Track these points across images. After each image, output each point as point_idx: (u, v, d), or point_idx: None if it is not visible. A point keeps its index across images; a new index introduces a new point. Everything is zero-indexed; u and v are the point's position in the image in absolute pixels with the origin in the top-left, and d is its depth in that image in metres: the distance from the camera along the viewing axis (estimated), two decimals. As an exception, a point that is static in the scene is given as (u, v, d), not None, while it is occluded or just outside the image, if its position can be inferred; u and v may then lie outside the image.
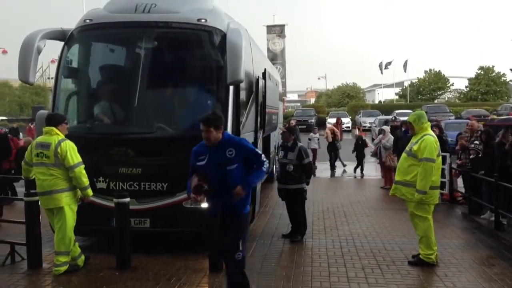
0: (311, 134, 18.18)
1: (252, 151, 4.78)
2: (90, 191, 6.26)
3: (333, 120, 37.61)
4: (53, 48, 8.62)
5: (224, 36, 6.98)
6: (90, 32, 7.48)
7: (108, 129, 7.34)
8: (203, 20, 7.14)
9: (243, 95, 7.61)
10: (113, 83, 7.74)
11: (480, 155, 9.46)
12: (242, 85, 7.32)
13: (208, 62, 7.25)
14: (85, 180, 6.16)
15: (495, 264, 6.55)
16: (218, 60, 7.06)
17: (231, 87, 7.01)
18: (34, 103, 48.60)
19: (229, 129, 6.94)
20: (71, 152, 6.08)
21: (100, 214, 6.82)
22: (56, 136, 6.14)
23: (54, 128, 6.17)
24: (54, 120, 6.31)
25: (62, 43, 7.48)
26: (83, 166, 6.15)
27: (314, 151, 17.35)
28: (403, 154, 6.74)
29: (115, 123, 7.45)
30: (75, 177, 6.11)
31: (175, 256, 6.77)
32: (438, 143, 6.55)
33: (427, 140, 6.43)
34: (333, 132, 17.57)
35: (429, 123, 6.71)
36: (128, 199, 6.40)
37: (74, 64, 7.66)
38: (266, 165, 4.75)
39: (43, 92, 52.46)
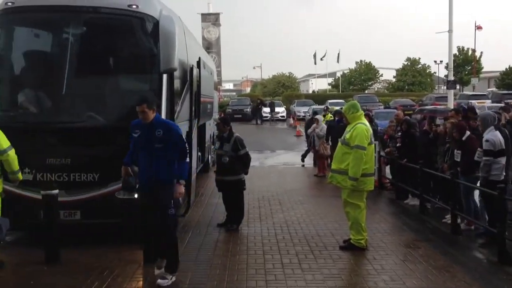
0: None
1: None
2: (20, 175, 6.13)
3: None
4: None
5: (156, 23, 6.84)
6: (12, 16, 7.09)
7: (34, 118, 7.01)
8: (134, 6, 6.94)
9: (177, 83, 7.51)
10: (38, 70, 7.36)
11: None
12: (176, 73, 7.22)
13: (140, 50, 7.07)
14: (17, 163, 6.00)
15: (420, 246, 6.90)
16: (150, 48, 6.90)
17: (165, 76, 6.89)
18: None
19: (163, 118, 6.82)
20: (1, 136, 5.87)
21: (27, 207, 6.52)
22: None
23: None
24: None
25: None
26: (13, 149, 5.94)
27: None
28: (339, 143, 6.94)
29: (41, 112, 7.12)
30: (9, 161, 5.90)
31: (108, 248, 6.60)
32: (370, 132, 6.78)
33: (358, 128, 6.65)
34: None
35: (362, 112, 6.94)
36: (56, 191, 6.16)
37: None
38: None
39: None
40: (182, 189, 5.59)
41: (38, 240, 6.42)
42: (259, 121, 35.89)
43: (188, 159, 5.56)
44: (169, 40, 6.56)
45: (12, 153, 5.92)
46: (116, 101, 7.17)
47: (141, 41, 6.98)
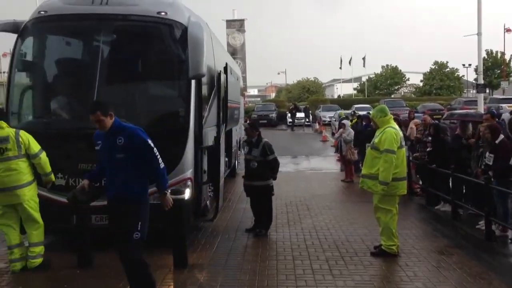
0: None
1: None
2: (53, 176, 6.27)
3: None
4: (6, 42, 8.30)
5: (185, 29, 6.89)
6: (45, 24, 7.24)
7: (66, 124, 7.14)
8: (163, 13, 7.02)
9: (205, 89, 7.54)
10: (70, 77, 7.50)
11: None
12: (204, 79, 7.25)
13: (169, 56, 7.14)
14: (49, 165, 6.16)
15: (454, 253, 6.75)
16: (179, 54, 6.96)
17: (193, 81, 6.94)
18: (-16, 98, 46.73)
19: (191, 124, 6.88)
20: (32, 140, 6.07)
21: (59, 212, 6.62)
22: (9, 128, 6.09)
23: (3, 122, 6.09)
24: (2, 114, 6.42)
25: (15, 35, 7.20)
26: (44, 152, 6.11)
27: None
28: (368, 148, 6.86)
29: (73, 118, 7.24)
30: (41, 163, 6.06)
31: (138, 253, 6.63)
32: (400, 135, 6.68)
33: (387, 132, 6.57)
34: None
35: (390, 116, 6.85)
36: (88, 196, 6.24)
37: (29, 58, 7.39)
38: None
39: (-8, 87, 50.48)
40: (168, 199, 4.88)
41: (70, 244, 6.52)
42: (289, 128, 35.70)
43: (162, 165, 4.80)
44: (197, 46, 6.60)
45: (43, 156, 6.09)
46: (146, 107, 7.25)
47: (170, 47, 7.05)
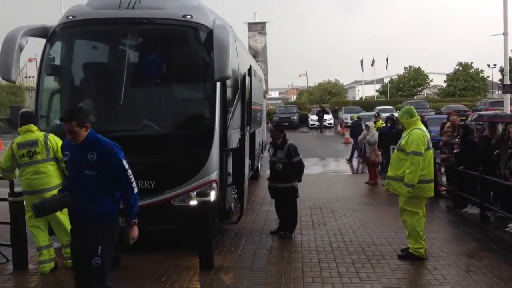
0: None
1: None
2: None
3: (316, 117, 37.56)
4: (31, 47, 8.46)
5: (210, 32, 6.92)
6: (73, 29, 7.36)
7: (93, 127, 7.17)
8: (188, 16, 7.08)
9: (229, 92, 7.57)
10: (97, 81, 7.61)
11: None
12: (229, 82, 7.28)
13: (195, 59, 7.20)
14: None
15: (483, 256, 6.63)
16: (204, 57, 7.00)
17: (218, 84, 6.96)
18: (11, 103, 47.75)
19: (217, 126, 6.91)
20: (61, 143, 6.09)
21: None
22: (38, 132, 6.18)
23: (33, 125, 6.18)
24: (32, 117, 6.41)
25: (42, 40, 7.35)
26: None
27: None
28: (395, 150, 6.79)
29: (100, 121, 7.31)
30: None
31: (165, 255, 6.70)
32: (428, 137, 6.60)
33: (414, 134, 6.49)
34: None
35: (418, 117, 6.76)
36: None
37: (57, 62, 7.53)
38: None
39: (19, 91, 51.46)
40: (135, 231, 4.32)
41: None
42: (311, 131, 35.61)
43: (136, 189, 4.32)
44: (223, 49, 6.62)
45: None
46: (172, 110, 7.31)
47: (196, 50, 7.11)
